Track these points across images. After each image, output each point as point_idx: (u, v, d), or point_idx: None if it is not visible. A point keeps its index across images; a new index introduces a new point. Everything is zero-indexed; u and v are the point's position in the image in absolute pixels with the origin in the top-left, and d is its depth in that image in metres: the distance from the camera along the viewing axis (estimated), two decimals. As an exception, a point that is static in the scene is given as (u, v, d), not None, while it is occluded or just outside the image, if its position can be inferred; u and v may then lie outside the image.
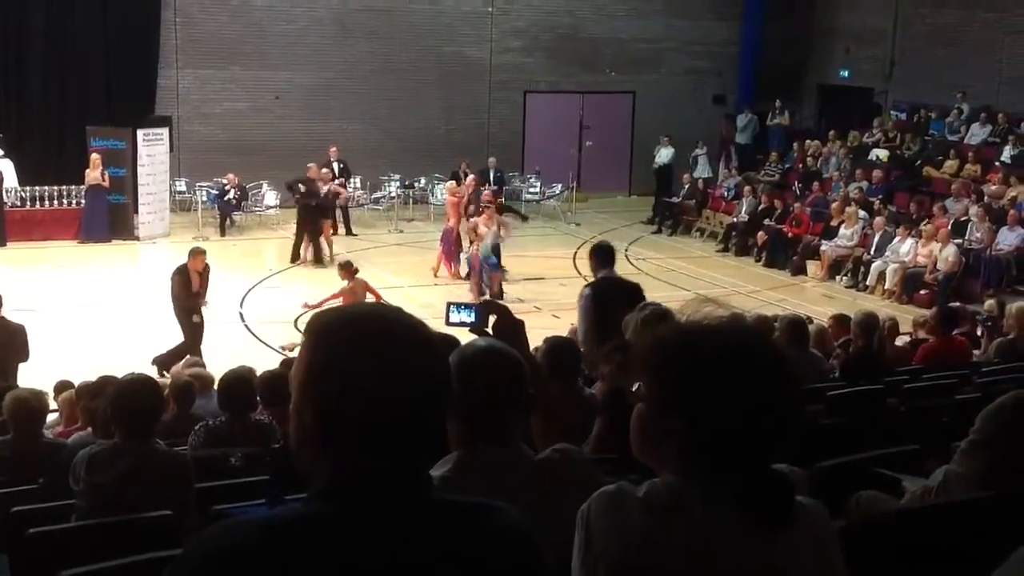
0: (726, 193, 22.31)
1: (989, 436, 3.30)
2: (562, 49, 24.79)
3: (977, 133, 20.96)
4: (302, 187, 18.23)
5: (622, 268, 18.00)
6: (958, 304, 12.69)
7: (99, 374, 7.62)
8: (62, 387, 8.55)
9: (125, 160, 19.52)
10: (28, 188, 19.37)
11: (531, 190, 23.72)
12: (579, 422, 4.99)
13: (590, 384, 5.99)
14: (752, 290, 17.33)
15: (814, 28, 25.43)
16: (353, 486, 1.59)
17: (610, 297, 8.02)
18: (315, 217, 18.12)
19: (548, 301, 15.08)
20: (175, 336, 12.39)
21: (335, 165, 20.59)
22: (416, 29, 23.49)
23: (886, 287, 17.20)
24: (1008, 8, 21.01)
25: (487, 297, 14.53)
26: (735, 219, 20.76)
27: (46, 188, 19.36)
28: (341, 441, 1.60)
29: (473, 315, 8.24)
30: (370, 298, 13.04)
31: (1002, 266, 16.71)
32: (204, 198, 20.92)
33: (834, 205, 19.30)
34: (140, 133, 19.57)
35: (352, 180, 21.61)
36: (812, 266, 18.71)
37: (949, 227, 17.35)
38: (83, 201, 19.21)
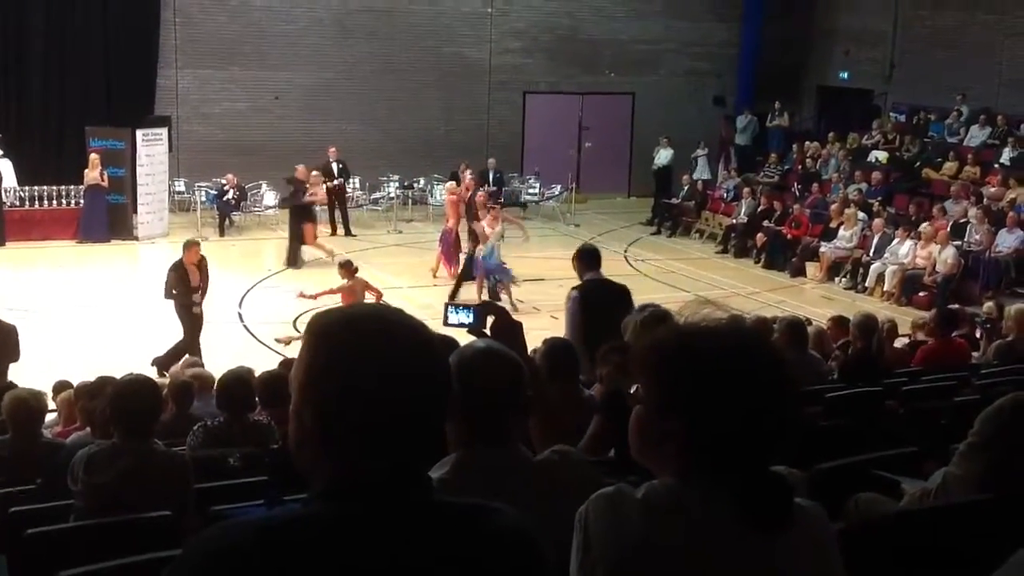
0: (725, 194, 22.32)
1: (988, 438, 3.30)
2: (561, 50, 24.80)
3: (976, 135, 20.96)
4: (290, 188, 18.29)
5: (622, 269, 18.09)
6: (957, 306, 12.71)
7: (98, 374, 7.62)
8: (61, 387, 8.55)
9: (124, 160, 19.52)
10: (27, 188, 19.38)
11: (530, 191, 23.73)
12: (578, 424, 4.99)
13: (589, 386, 5.98)
14: (751, 291, 17.33)
15: (814, 29, 25.45)
16: (353, 487, 1.59)
17: (597, 299, 8.04)
18: (296, 219, 18.10)
19: (547, 302, 15.07)
20: (174, 336, 12.38)
21: (334, 165, 20.59)
22: (416, 30, 23.49)
23: (885, 289, 17.21)
24: (1008, 10, 21.02)
25: (486, 298, 14.55)
26: (734, 220, 20.76)
27: (45, 188, 19.36)
28: (341, 442, 1.59)
29: (471, 316, 8.28)
30: (369, 297, 13.04)
31: (1001, 268, 16.71)
32: (203, 198, 20.93)
33: (833, 207, 19.30)
34: (139, 133, 19.57)
35: (351, 181, 21.61)
36: (811, 268, 18.72)
37: (948, 229, 17.36)
38: (82, 201, 19.21)
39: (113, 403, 4.93)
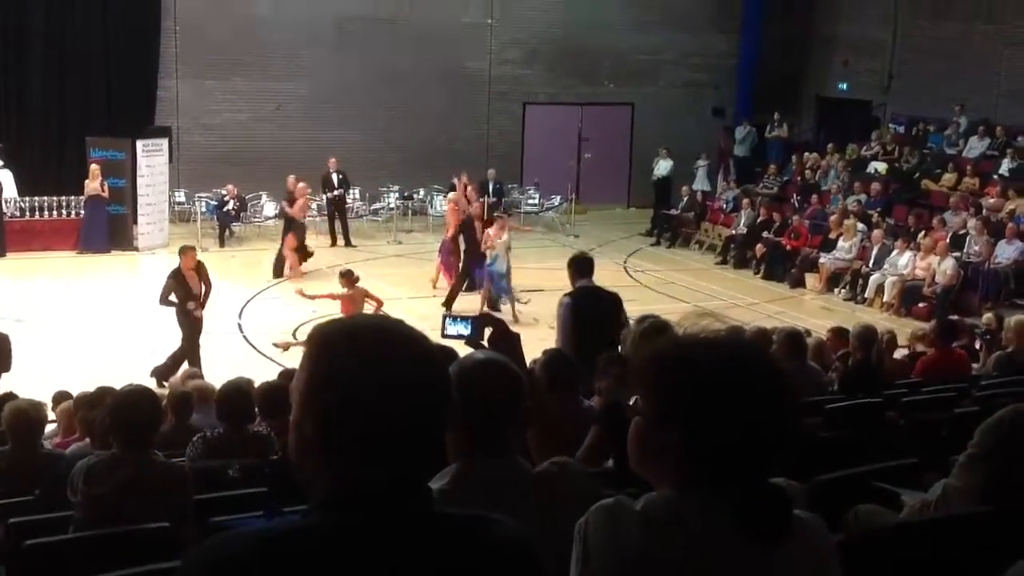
0: (725, 205, 22.33)
1: (988, 450, 3.29)
2: (561, 61, 24.84)
3: (975, 146, 20.99)
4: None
5: (621, 280, 18.10)
6: (956, 317, 12.71)
7: (97, 385, 7.62)
8: (60, 398, 8.55)
9: (124, 171, 19.54)
10: (27, 198, 19.40)
11: (530, 202, 23.75)
12: (577, 435, 4.99)
13: (588, 396, 5.98)
14: (751, 302, 17.33)
15: (812, 40, 25.49)
16: (353, 498, 1.59)
17: (589, 307, 8.10)
18: (284, 229, 18.14)
19: (546, 313, 15.06)
20: (174, 346, 12.38)
21: (335, 176, 20.60)
22: (416, 41, 23.52)
23: (884, 300, 17.21)
24: (1007, 21, 21.06)
25: (486, 310, 14.55)
26: (734, 231, 20.78)
27: (45, 198, 19.38)
28: (341, 453, 1.60)
29: (469, 328, 8.26)
30: (369, 306, 13.03)
31: (1000, 279, 16.71)
32: (203, 209, 20.93)
33: (832, 218, 19.31)
34: (139, 144, 19.59)
35: (351, 191, 21.63)
36: (810, 279, 18.72)
37: (947, 240, 17.36)
38: (82, 212, 19.23)
39: (112, 414, 4.93)
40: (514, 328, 9.48)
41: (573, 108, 25.17)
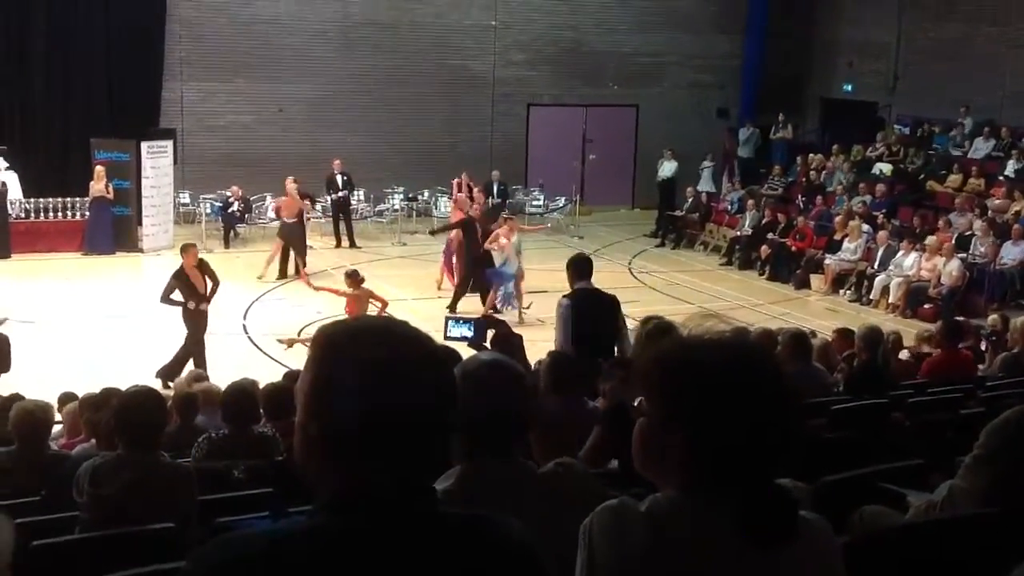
0: (729, 207, 22.32)
1: (994, 451, 3.28)
2: (565, 63, 24.85)
3: (981, 147, 20.96)
4: None
5: (626, 282, 18.10)
6: (962, 318, 12.68)
7: (102, 386, 7.62)
8: (66, 399, 8.55)
9: (129, 172, 19.57)
10: (32, 200, 19.42)
11: (534, 203, 23.74)
12: (581, 437, 4.99)
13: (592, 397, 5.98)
14: (756, 304, 17.32)
15: (817, 42, 25.48)
16: (358, 499, 1.60)
17: (588, 309, 8.16)
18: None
19: (550, 315, 15.05)
20: (178, 346, 12.38)
21: (339, 178, 20.61)
22: (420, 42, 23.56)
23: (890, 301, 17.19)
24: (1012, 22, 21.04)
25: (491, 312, 14.56)
26: (738, 232, 20.76)
27: (50, 200, 19.41)
28: (346, 454, 1.60)
29: (472, 329, 8.23)
30: (374, 307, 13.03)
31: (1006, 280, 16.69)
32: (208, 210, 20.97)
33: (838, 219, 19.30)
34: (144, 145, 19.62)
35: (356, 193, 21.65)
36: (816, 280, 18.70)
37: (953, 241, 17.34)
38: (87, 213, 19.26)
39: (118, 415, 4.93)
40: (518, 330, 9.51)
41: (577, 110, 25.16)
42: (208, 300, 12.47)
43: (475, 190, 19.17)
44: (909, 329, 13.16)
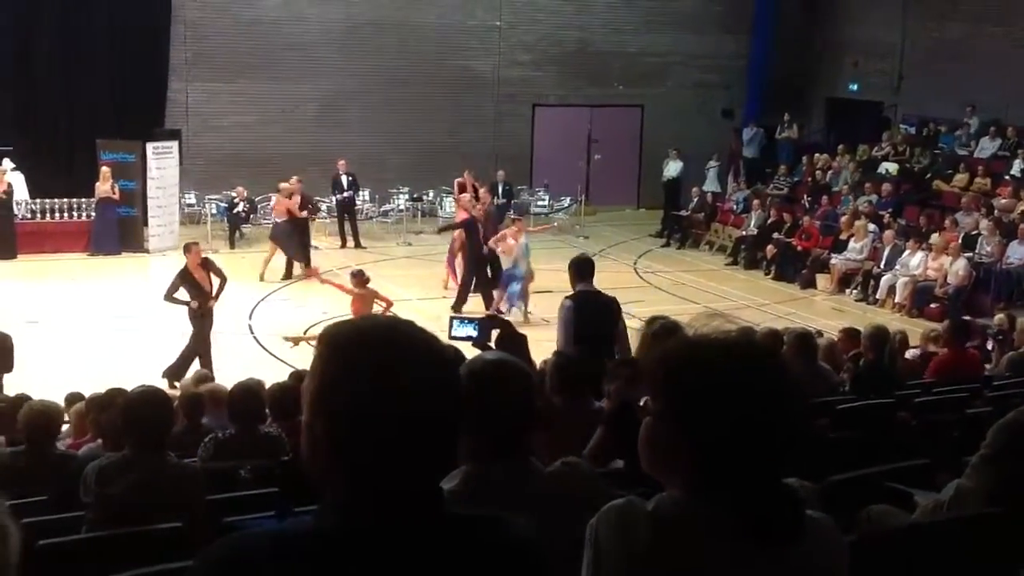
0: (735, 206, 22.30)
1: (1000, 451, 3.28)
2: (570, 63, 24.84)
3: (987, 147, 20.92)
4: None
5: (632, 282, 18.10)
6: (968, 318, 12.66)
7: (109, 386, 7.63)
8: (73, 399, 8.56)
9: (135, 173, 19.60)
10: (38, 201, 19.47)
11: (540, 203, 23.74)
12: (587, 437, 4.99)
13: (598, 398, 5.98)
14: (761, 304, 17.30)
15: (822, 42, 25.44)
16: (365, 499, 1.59)
17: (589, 310, 8.23)
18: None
19: (556, 315, 15.05)
20: (183, 346, 12.40)
21: (344, 178, 20.63)
22: (424, 43, 23.56)
23: (896, 301, 17.16)
24: (1016, 22, 20.99)
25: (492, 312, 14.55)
26: (744, 232, 20.74)
27: (56, 201, 19.45)
28: (353, 454, 1.59)
29: (476, 329, 8.21)
30: (378, 306, 13.03)
31: (1012, 280, 16.65)
32: (213, 211, 20.99)
33: (843, 218, 19.28)
34: (150, 146, 19.65)
35: (361, 193, 21.67)
36: (822, 279, 18.68)
37: (959, 241, 17.30)
38: (93, 214, 19.29)
39: (124, 415, 4.94)
40: (522, 330, 9.51)
41: (583, 110, 25.16)
42: (216, 297, 12.47)
43: (482, 190, 19.16)
44: (915, 329, 13.13)
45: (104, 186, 19.01)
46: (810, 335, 8.40)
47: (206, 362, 12.06)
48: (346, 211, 20.73)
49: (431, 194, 23.06)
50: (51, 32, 20.88)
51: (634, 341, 7.16)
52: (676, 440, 1.84)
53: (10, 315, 13.38)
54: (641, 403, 1.93)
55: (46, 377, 10.75)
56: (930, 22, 22.78)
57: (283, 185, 18.32)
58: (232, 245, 20.20)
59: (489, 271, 16.66)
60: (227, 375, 9.74)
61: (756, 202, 21.25)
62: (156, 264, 18.86)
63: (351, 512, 1.60)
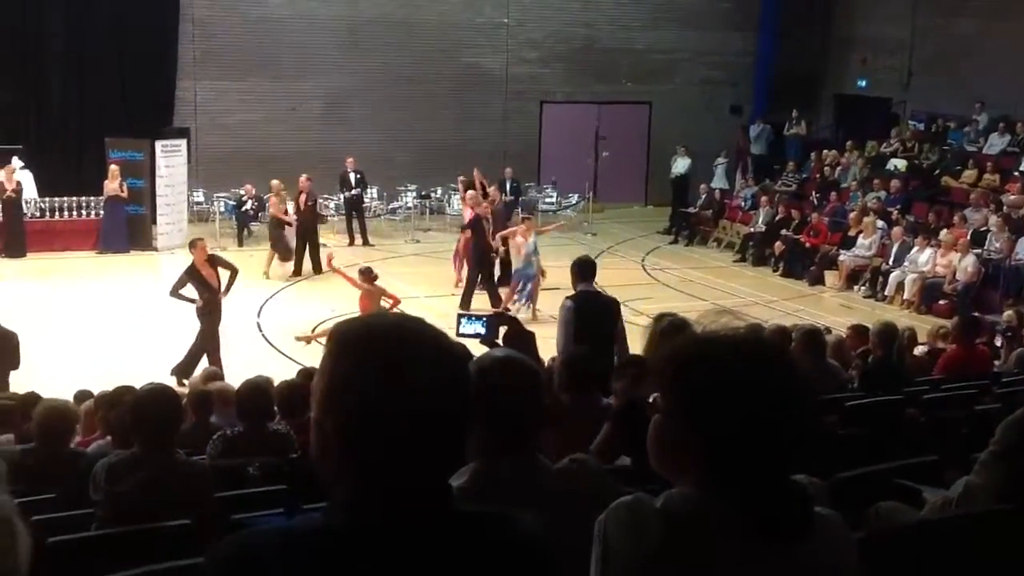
0: (743, 203, 22.27)
1: (1009, 447, 3.27)
2: (578, 60, 24.84)
3: (996, 143, 20.86)
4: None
5: (640, 279, 18.09)
6: (977, 314, 12.63)
7: (118, 384, 7.65)
8: (81, 397, 8.58)
9: (143, 171, 19.64)
10: (47, 199, 19.51)
11: (547, 200, 23.73)
12: (595, 434, 4.99)
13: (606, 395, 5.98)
14: (770, 300, 17.28)
15: (831, 38, 25.39)
16: (374, 498, 1.60)
17: (589, 311, 8.31)
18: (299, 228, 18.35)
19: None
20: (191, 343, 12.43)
21: (352, 176, 20.64)
22: (432, 40, 23.58)
23: (905, 297, 17.13)
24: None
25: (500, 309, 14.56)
26: (752, 229, 20.72)
27: (65, 199, 19.50)
28: (362, 451, 1.60)
29: (484, 326, 8.21)
30: (386, 303, 13.04)
31: (1021, 276, 16.61)
32: (222, 209, 21.03)
33: (852, 215, 19.25)
34: (158, 144, 19.69)
35: (369, 190, 21.68)
36: (830, 276, 18.65)
37: (968, 237, 17.26)
38: (101, 212, 19.33)
39: (133, 413, 4.95)
40: (530, 327, 9.53)
41: (590, 107, 25.15)
42: (228, 289, 12.49)
43: (492, 188, 19.15)
44: (924, 325, 13.11)
45: (113, 184, 19.05)
46: (818, 332, 8.39)
47: (215, 359, 12.07)
48: (354, 209, 20.74)
49: (439, 191, 23.06)
50: (60, 31, 20.95)
51: (642, 339, 7.16)
52: (685, 437, 1.84)
53: (19, 313, 13.42)
54: (650, 400, 1.93)
55: (55, 375, 10.80)
56: (939, 18, 22.72)
57: (273, 183, 18.43)
58: (240, 243, 20.23)
59: (498, 269, 16.67)
60: (235, 372, 9.77)
61: (764, 199, 21.22)
62: (165, 262, 18.89)
63: (360, 509, 1.60)
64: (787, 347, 6.87)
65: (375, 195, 22.28)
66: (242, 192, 20.65)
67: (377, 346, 1.62)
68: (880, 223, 18.73)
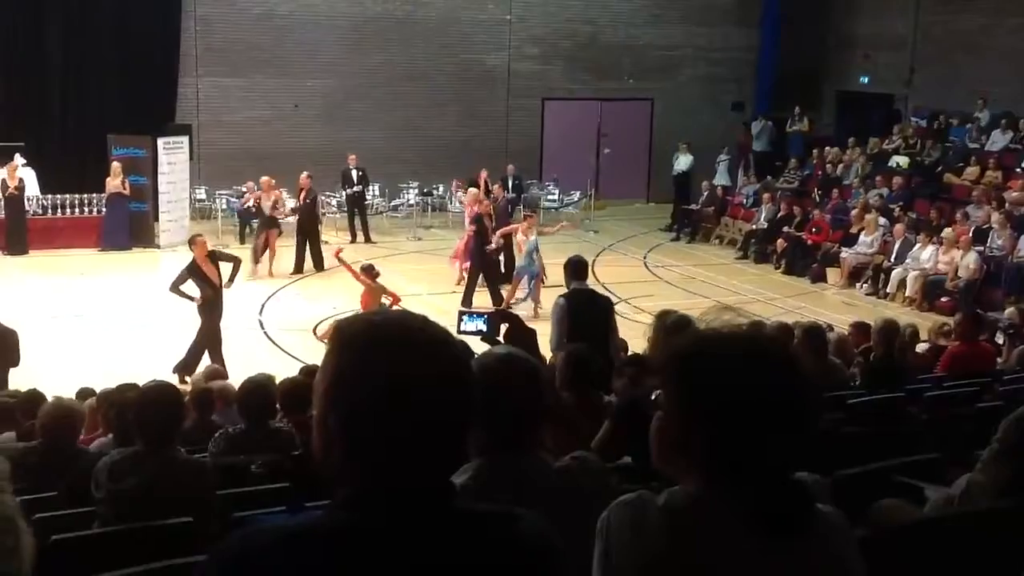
0: (745, 200, 22.26)
1: (1011, 444, 3.27)
2: (580, 56, 24.83)
3: (998, 140, 20.83)
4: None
5: (641, 275, 18.08)
6: (980, 311, 12.62)
7: (120, 381, 7.66)
8: (84, 394, 8.59)
9: (146, 168, 19.64)
10: (49, 196, 19.49)
11: (549, 197, 23.73)
12: (595, 431, 5.00)
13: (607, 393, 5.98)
14: (771, 297, 17.26)
15: (833, 34, 25.37)
16: (376, 495, 1.60)
17: (582, 309, 8.36)
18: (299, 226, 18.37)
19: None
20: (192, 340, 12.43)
21: (354, 173, 20.64)
22: (434, 37, 23.58)
23: (907, 294, 17.11)
24: (1027, 15, 20.91)
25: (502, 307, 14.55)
26: (754, 226, 20.70)
27: (67, 196, 19.48)
28: (365, 448, 1.60)
29: (485, 324, 8.21)
30: (386, 301, 13.05)
31: (1023, 274, 16.59)
32: (224, 206, 21.02)
33: (854, 212, 19.22)
34: (161, 141, 19.68)
35: (371, 188, 21.68)
36: (832, 273, 18.63)
37: (970, 234, 17.24)
38: (104, 209, 19.33)
39: (136, 410, 4.95)
40: (531, 324, 9.53)
41: (592, 103, 25.14)
42: (231, 281, 12.64)
43: (496, 186, 19.13)
44: (926, 323, 13.10)
45: (115, 181, 19.06)
46: (820, 329, 8.38)
47: (216, 356, 12.07)
48: (356, 206, 20.74)
49: (441, 188, 23.07)
50: (62, 28, 20.94)
51: (645, 336, 7.16)
52: (687, 434, 1.84)
53: (21, 310, 13.44)
54: (652, 397, 1.93)
55: (57, 372, 10.80)
56: (941, 14, 22.70)
57: (263, 179, 18.47)
58: (242, 240, 20.21)
59: (502, 267, 16.67)
60: (237, 370, 9.77)
61: (766, 196, 21.20)
62: (167, 259, 18.86)
63: (363, 507, 1.60)
64: (789, 344, 6.87)
65: (377, 192, 22.28)
66: (244, 189, 20.64)
67: (380, 344, 1.63)
68: (882, 220, 18.71)
